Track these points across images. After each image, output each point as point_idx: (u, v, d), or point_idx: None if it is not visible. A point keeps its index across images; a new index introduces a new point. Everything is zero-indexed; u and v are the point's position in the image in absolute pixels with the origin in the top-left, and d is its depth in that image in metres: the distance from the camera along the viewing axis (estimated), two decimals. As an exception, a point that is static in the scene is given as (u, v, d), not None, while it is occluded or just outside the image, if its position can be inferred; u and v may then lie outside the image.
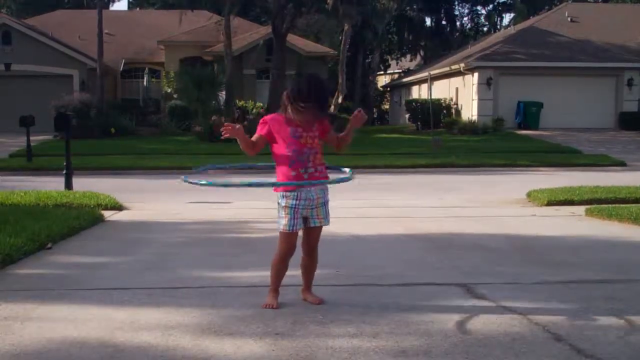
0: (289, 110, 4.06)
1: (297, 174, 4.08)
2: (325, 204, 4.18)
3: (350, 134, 4.26)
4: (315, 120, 4.08)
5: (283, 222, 4.11)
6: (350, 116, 4.27)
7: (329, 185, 4.23)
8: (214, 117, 26.53)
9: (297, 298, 4.33)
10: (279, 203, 4.15)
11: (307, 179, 4.09)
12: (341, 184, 4.31)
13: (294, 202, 4.08)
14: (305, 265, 4.32)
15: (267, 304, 4.13)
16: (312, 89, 4.01)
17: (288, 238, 4.14)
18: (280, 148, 4.12)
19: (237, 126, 4.10)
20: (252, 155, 4.19)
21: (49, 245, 6.28)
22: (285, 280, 4.41)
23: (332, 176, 4.29)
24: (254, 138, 4.21)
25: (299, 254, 4.29)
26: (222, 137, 4.14)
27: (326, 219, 4.20)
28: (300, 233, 4.23)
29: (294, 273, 4.36)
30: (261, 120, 4.22)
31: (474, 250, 6.27)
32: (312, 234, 4.23)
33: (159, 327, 3.77)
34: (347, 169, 4.40)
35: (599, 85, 31.59)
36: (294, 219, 4.10)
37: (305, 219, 4.14)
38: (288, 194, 4.10)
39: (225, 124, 4.09)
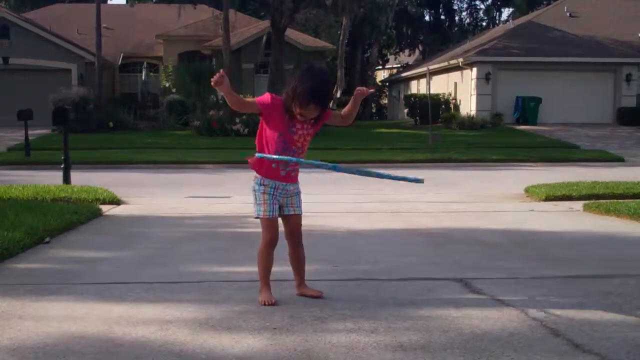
0: (293, 106, 4.02)
1: (276, 168, 4.11)
2: (298, 194, 4.25)
3: (355, 107, 4.24)
4: (314, 115, 4.05)
5: (262, 209, 4.12)
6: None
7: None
8: (212, 112, 26.51)
9: (294, 293, 4.33)
10: (254, 190, 4.16)
11: (283, 176, 4.12)
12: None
13: (272, 190, 4.12)
14: (293, 257, 4.30)
15: (263, 301, 4.10)
16: (317, 88, 3.98)
17: (270, 224, 4.14)
18: (271, 137, 4.09)
19: (222, 74, 3.98)
20: (233, 107, 4.15)
21: (47, 240, 6.28)
22: (281, 276, 4.41)
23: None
24: (248, 100, 4.24)
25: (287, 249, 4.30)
26: (212, 84, 4.00)
27: (299, 207, 4.25)
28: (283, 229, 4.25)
29: (288, 268, 4.36)
30: (269, 95, 4.15)
31: (472, 245, 6.27)
32: (291, 222, 4.24)
33: (157, 321, 3.77)
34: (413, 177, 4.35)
35: (598, 80, 31.61)
36: (272, 204, 4.12)
37: (280, 207, 4.18)
38: (266, 182, 4.12)
39: (218, 73, 3.98)
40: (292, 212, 4.21)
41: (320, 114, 4.08)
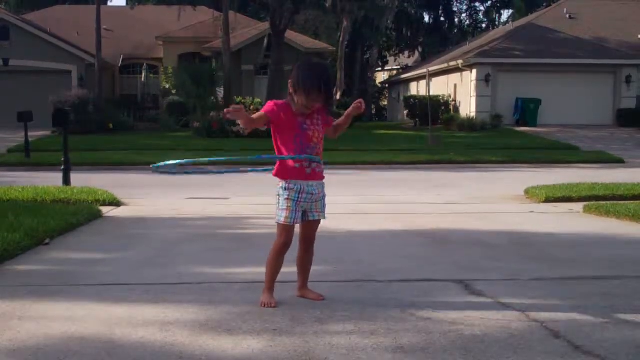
0: (296, 99, 4.03)
1: (300, 167, 4.07)
2: (323, 198, 4.20)
3: (347, 122, 4.28)
4: (320, 107, 4.06)
5: (284, 215, 4.08)
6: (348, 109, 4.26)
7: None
8: (212, 114, 26.53)
9: (295, 294, 4.33)
10: (279, 195, 4.12)
11: (309, 174, 4.08)
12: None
13: (297, 195, 4.07)
14: (302, 260, 4.29)
15: (264, 303, 4.09)
16: (318, 77, 4.00)
17: (286, 230, 4.11)
18: (287, 138, 4.09)
19: (238, 107, 4.01)
20: (245, 127, 4.16)
21: (47, 241, 6.28)
22: (281, 277, 4.40)
23: None
24: (256, 115, 4.15)
25: (292, 252, 4.29)
26: (225, 117, 4.03)
27: (323, 212, 4.21)
28: (297, 229, 4.23)
29: (291, 270, 4.36)
30: (272, 102, 4.14)
31: (472, 247, 6.27)
32: (311, 228, 4.21)
33: (157, 323, 3.76)
34: None
35: (597, 82, 31.61)
36: (295, 211, 4.08)
37: (304, 213, 4.13)
38: (291, 186, 4.07)
39: (226, 109, 4.00)
40: (316, 218, 4.17)
41: (325, 103, 4.08)
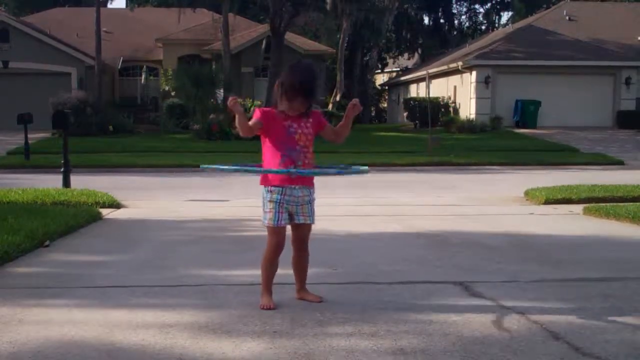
0: (281, 102, 4.07)
1: (285, 168, 4.09)
2: (310, 202, 4.20)
3: (347, 124, 4.29)
4: (303, 107, 4.08)
5: (268, 217, 4.11)
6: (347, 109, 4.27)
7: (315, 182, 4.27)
8: (212, 116, 26.51)
9: (294, 297, 4.33)
10: (263, 197, 4.15)
11: (293, 179, 4.09)
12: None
13: (279, 197, 4.09)
14: (297, 262, 4.31)
15: (263, 305, 4.11)
16: (300, 76, 4.04)
17: (275, 232, 4.13)
18: (273, 143, 4.12)
19: (238, 102, 4.06)
20: (243, 135, 4.17)
21: (47, 243, 6.28)
22: (282, 279, 4.41)
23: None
24: (251, 122, 4.16)
25: (289, 253, 4.30)
26: (228, 106, 4.07)
27: (311, 217, 4.21)
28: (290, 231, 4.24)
29: (290, 272, 4.36)
30: (259, 110, 4.16)
31: (472, 249, 6.27)
32: (300, 231, 4.23)
33: (157, 325, 3.76)
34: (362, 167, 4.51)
35: (597, 83, 31.61)
36: (279, 212, 4.09)
37: (291, 215, 4.15)
38: (273, 189, 4.10)
39: (232, 97, 4.06)
40: (302, 221, 4.18)
41: (309, 107, 4.11)
